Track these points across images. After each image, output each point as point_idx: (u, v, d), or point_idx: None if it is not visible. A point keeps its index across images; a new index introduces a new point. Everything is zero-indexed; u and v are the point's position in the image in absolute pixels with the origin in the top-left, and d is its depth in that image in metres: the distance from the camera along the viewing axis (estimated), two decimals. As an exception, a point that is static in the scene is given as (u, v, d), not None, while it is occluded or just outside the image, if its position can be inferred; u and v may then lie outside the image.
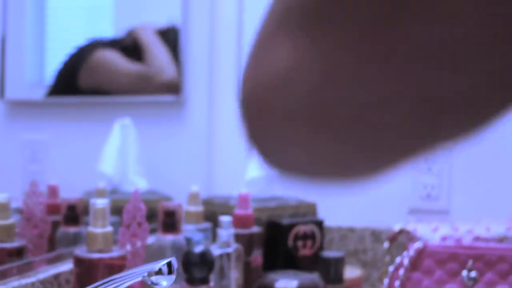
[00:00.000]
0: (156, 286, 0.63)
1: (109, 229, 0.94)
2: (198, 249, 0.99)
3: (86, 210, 1.28)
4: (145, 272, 0.63)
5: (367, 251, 1.56)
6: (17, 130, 1.94)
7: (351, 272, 1.39)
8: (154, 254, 1.16)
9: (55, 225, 1.20)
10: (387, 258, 1.42)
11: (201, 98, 1.69)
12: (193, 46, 1.68)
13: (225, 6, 1.71)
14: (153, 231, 1.18)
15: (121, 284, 0.64)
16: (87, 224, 1.22)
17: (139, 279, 0.63)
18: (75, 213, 1.23)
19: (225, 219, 1.11)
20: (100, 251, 0.93)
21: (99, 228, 0.94)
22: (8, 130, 1.96)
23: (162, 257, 1.17)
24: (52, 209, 1.27)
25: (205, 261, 0.98)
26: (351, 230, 1.55)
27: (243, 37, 1.68)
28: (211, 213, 1.33)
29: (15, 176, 1.86)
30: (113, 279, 0.65)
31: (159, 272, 0.62)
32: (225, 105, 1.68)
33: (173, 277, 0.63)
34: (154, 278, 0.63)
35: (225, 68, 1.70)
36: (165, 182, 1.63)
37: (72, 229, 1.22)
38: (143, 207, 1.06)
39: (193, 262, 0.98)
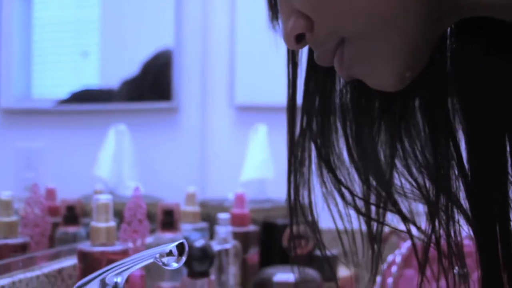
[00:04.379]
0: (167, 267, 0.65)
1: (112, 223, 0.97)
2: (198, 243, 1.01)
3: (84, 212, 1.30)
4: (156, 253, 0.65)
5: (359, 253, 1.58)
6: (11, 138, 1.95)
7: (343, 271, 1.41)
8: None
9: (54, 227, 1.22)
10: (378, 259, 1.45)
11: (194, 104, 1.71)
12: (186, 53, 1.71)
13: (217, 10, 1.74)
14: (151, 231, 1.20)
15: (133, 266, 0.67)
16: (86, 225, 1.24)
17: (151, 260, 0.66)
18: (74, 214, 1.25)
19: (223, 216, 1.14)
20: (103, 245, 0.95)
21: (102, 222, 0.96)
22: (2, 138, 1.97)
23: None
24: (51, 211, 1.29)
25: (206, 255, 1.01)
26: (343, 232, 1.57)
27: (235, 42, 1.71)
28: (206, 215, 1.35)
29: (10, 183, 1.87)
30: (125, 262, 0.67)
31: (170, 253, 0.65)
32: (218, 110, 1.71)
33: (184, 258, 0.65)
34: (165, 260, 0.65)
35: (218, 74, 1.73)
36: (160, 186, 1.65)
37: (71, 229, 1.24)
38: (144, 205, 1.08)
39: (194, 256, 1.00)
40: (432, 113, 0.61)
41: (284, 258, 1.31)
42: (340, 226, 0.68)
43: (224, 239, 1.12)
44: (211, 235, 1.25)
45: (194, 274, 1.01)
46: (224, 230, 1.12)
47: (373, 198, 0.64)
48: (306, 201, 0.65)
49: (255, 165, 1.50)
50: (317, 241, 0.67)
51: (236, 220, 1.24)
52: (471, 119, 0.59)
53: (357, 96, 0.64)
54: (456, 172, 0.59)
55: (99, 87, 1.83)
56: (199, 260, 1.00)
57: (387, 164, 0.62)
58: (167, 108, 1.70)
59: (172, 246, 0.65)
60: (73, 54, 1.96)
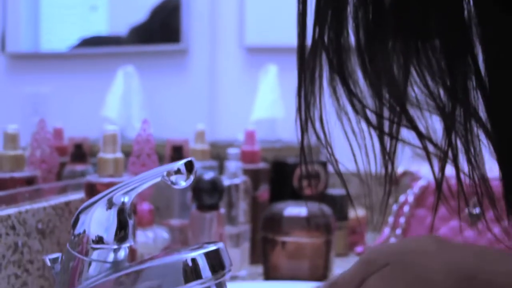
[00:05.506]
0: (176, 186, 0.63)
1: (120, 155, 0.95)
2: (208, 176, 0.99)
3: (91, 152, 1.29)
4: (164, 171, 0.63)
5: (370, 195, 1.56)
6: (18, 83, 1.93)
7: (354, 212, 1.40)
8: (162, 189, 1.17)
9: (62, 166, 1.21)
10: (390, 200, 1.43)
11: (204, 45, 1.69)
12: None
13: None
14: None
15: (140, 185, 0.65)
16: (94, 164, 1.23)
17: (158, 179, 0.64)
18: (81, 151, 1.23)
19: (232, 151, 1.12)
20: (110, 176, 0.93)
21: (109, 153, 0.94)
22: (9, 84, 1.95)
23: (170, 192, 1.18)
24: (58, 151, 1.27)
25: (215, 188, 0.99)
26: (354, 174, 1.56)
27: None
28: (216, 155, 1.34)
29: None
30: (132, 181, 0.65)
31: (178, 171, 0.63)
32: (228, 51, 1.68)
33: (192, 177, 0.63)
34: (173, 178, 0.63)
35: (227, 15, 1.70)
36: (168, 128, 1.63)
37: (79, 167, 1.22)
38: (152, 139, 1.06)
39: (203, 188, 0.99)
40: (449, 28, 0.59)
41: (295, 197, 1.29)
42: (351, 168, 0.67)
43: (233, 174, 1.10)
44: (221, 174, 1.23)
45: (203, 207, 0.99)
46: (234, 165, 1.10)
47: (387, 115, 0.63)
48: (317, 117, 0.64)
49: (265, 105, 1.48)
50: (330, 156, 0.65)
51: (246, 157, 1.22)
52: (489, 30, 0.57)
53: (371, 12, 0.62)
54: (474, 84, 0.57)
55: (108, 34, 1.80)
56: (208, 193, 0.98)
57: (402, 76, 0.61)
58: (176, 50, 1.67)
59: (181, 164, 0.63)
60: (81, 7, 1.93)
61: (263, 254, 1.08)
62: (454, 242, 0.51)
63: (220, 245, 0.64)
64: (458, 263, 0.46)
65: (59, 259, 0.70)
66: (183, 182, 0.63)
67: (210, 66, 1.69)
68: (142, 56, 1.70)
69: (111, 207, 0.65)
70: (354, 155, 0.70)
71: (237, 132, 1.49)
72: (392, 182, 0.67)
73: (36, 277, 0.89)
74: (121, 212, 0.66)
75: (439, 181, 0.63)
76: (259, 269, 1.14)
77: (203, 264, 0.61)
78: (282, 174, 1.32)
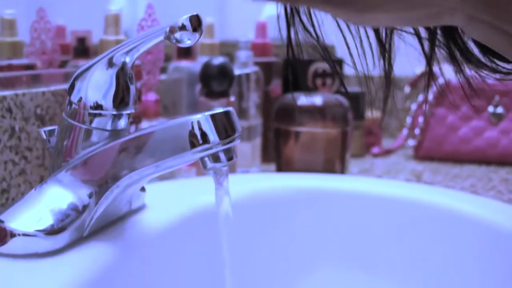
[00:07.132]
0: (181, 45, 0.57)
1: (122, 36, 0.89)
2: (217, 61, 0.93)
3: (96, 52, 1.22)
4: (167, 28, 0.57)
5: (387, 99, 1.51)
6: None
7: (370, 113, 1.34)
8: (169, 85, 1.11)
9: (64, 64, 1.15)
10: (408, 103, 1.37)
11: None
12: None
13: None
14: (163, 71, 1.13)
15: (142, 43, 0.59)
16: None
17: (161, 38, 0.58)
18: (85, 46, 1.17)
19: (243, 39, 1.06)
20: (113, 59, 0.87)
21: (111, 35, 0.88)
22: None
23: (178, 88, 1.12)
24: (61, 48, 1.21)
25: (225, 73, 0.93)
26: (370, 77, 1.50)
27: None
28: (226, 54, 1.27)
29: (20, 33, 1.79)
30: (133, 40, 0.59)
31: (183, 28, 0.57)
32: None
33: (198, 35, 0.57)
34: (177, 35, 0.57)
35: None
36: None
37: (82, 62, 1.16)
38: (157, 22, 1.00)
39: (212, 74, 0.93)
40: None
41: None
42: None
43: (244, 63, 1.04)
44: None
45: (212, 94, 0.93)
46: (244, 54, 1.04)
47: None
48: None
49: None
50: (322, 51, 0.58)
51: (258, 49, 1.15)
52: None
53: None
54: None
55: None
56: (217, 78, 0.92)
57: None
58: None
59: (185, 19, 0.57)
60: None
61: (275, 148, 1.02)
62: None
63: (229, 108, 0.58)
64: None
65: (55, 132, 0.65)
66: (188, 40, 0.57)
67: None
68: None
69: (111, 66, 0.59)
70: (350, 54, 0.63)
71: (248, 32, 1.43)
72: (391, 76, 0.60)
73: (35, 166, 0.84)
74: (121, 75, 0.60)
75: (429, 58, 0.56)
76: (272, 167, 1.09)
77: (209, 128, 0.56)
78: (296, 72, 1.26)
